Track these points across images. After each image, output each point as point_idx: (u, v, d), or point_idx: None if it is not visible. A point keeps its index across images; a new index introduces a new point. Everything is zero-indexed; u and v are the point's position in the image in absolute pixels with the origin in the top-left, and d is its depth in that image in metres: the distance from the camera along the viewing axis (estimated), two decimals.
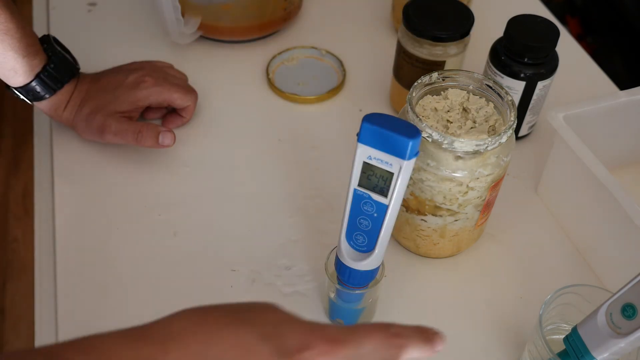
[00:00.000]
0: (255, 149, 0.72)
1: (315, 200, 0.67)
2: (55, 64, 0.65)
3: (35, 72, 0.64)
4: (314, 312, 0.58)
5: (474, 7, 0.82)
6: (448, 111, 0.57)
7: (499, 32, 0.69)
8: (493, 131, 0.56)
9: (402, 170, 0.45)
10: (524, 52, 0.65)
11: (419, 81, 0.57)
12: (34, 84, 0.64)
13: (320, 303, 0.59)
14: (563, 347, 0.50)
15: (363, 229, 0.49)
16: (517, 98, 0.68)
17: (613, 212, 0.57)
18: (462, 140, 0.52)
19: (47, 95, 0.66)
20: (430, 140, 0.53)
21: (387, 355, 0.35)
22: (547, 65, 0.67)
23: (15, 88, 0.65)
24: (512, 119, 0.54)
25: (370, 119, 0.45)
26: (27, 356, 0.33)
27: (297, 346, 0.33)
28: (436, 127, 0.55)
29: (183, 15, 0.76)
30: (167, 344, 0.33)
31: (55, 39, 0.68)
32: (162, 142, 0.66)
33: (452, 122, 0.56)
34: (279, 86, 0.78)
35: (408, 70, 0.71)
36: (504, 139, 0.53)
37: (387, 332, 0.36)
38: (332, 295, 0.55)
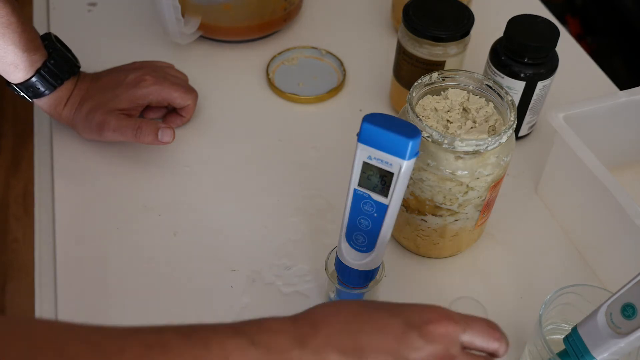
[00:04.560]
0: (256, 149, 0.72)
1: (315, 200, 0.67)
2: (56, 60, 0.65)
3: (36, 68, 0.64)
4: None
5: (474, 7, 0.82)
6: (448, 111, 0.57)
7: (499, 32, 0.69)
8: (493, 131, 0.56)
9: (402, 170, 0.45)
10: (524, 52, 0.65)
11: (419, 81, 0.57)
12: (34, 79, 0.65)
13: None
14: (563, 347, 0.50)
15: (363, 229, 0.49)
16: (517, 98, 0.68)
17: (613, 212, 0.57)
18: (462, 140, 0.52)
19: (47, 92, 0.66)
20: (430, 140, 0.53)
21: (484, 343, 0.42)
22: (547, 65, 0.67)
23: (16, 85, 0.65)
24: (512, 119, 0.54)
25: (370, 119, 0.45)
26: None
27: (423, 320, 0.41)
28: (436, 127, 0.56)
29: (183, 15, 0.76)
30: (317, 324, 0.40)
31: (56, 37, 0.68)
32: (161, 138, 0.66)
33: (452, 122, 0.56)
34: (279, 86, 0.78)
35: (408, 70, 0.71)
36: (504, 139, 0.53)
37: (491, 326, 0.43)
38: (332, 295, 0.55)
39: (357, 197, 0.48)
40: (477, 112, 0.57)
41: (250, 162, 0.71)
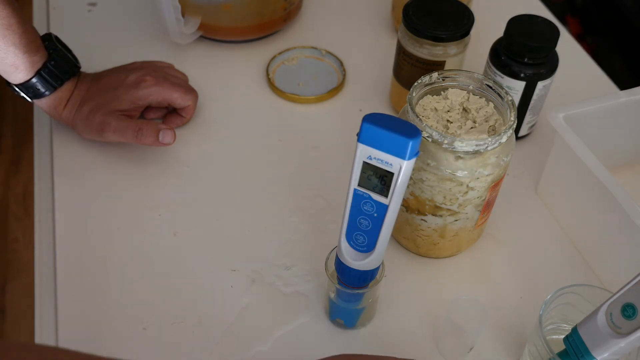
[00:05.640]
0: (256, 149, 0.72)
1: (315, 200, 0.67)
2: (56, 61, 0.65)
3: (36, 69, 0.64)
4: (314, 312, 0.59)
5: (474, 7, 0.82)
6: (448, 111, 0.57)
7: (499, 32, 0.69)
8: (493, 131, 0.56)
9: (402, 170, 0.45)
10: (524, 52, 0.65)
11: (419, 81, 0.57)
12: (34, 80, 0.65)
13: (320, 303, 0.59)
14: (563, 347, 0.50)
15: (363, 229, 0.49)
16: (517, 98, 0.68)
17: (613, 212, 0.57)
18: (462, 140, 0.52)
19: (47, 93, 0.66)
20: (430, 140, 0.53)
21: None
22: (547, 65, 0.67)
23: (16, 85, 0.65)
24: (512, 119, 0.54)
25: (370, 119, 0.45)
26: None
27: None
28: (436, 127, 0.56)
29: (183, 15, 0.76)
30: None
31: (56, 38, 0.68)
32: (162, 140, 0.66)
33: (452, 122, 0.56)
34: (279, 86, 0.78)
35: (408, 70, 0.71)
36: (504, 139, 0.53)
37: None
38: (332, 295, 0.55)
39: (357, 197, 0.48)
40: (477, 112, 0.57)
41: (250, 162, 0.71)
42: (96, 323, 0.57)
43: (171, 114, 0.72)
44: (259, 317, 0.58)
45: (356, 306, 0.55)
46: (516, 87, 0.67)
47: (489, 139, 0.52)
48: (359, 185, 0.47)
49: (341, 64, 0.81)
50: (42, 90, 0.66)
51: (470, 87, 0.58)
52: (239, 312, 0.58)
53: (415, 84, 0.56)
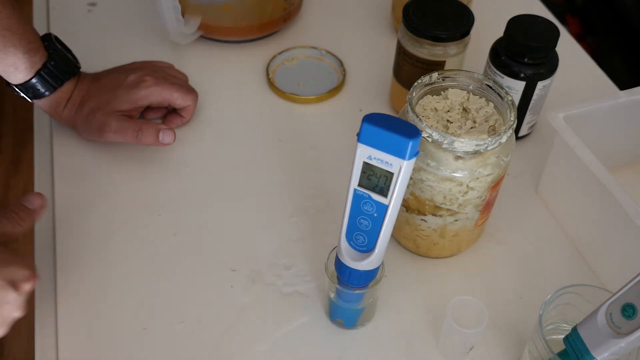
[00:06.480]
0: (256, 149, 0.72)
1: (315, 200, 0.67)
2: (56, 61, 0.65)
3: (36, 69, 0.64)
4: (314, 312, 0.58)
5: (474, 7, 0.82)
6: (448, 111, 0.57)
7: (499, 32, 0.69)
8: (493, 131, 0.56)
9: (402, 170, 0.45)
10: (524, 52, 0.65)
11: (419, 81, 0.57)
12: (34, 80, 0.65)
13: (320, 303, 0.59)
14: (563, 347, 0.50)
15: (363, 229, 0.49)
16: (517, 98, 0.68)
17: (613, 212, 0.57)
18: (462, 140, 0.52)
19: (47, 93, 0.66)
20: (430, 140, 0.53)
21: None
22: (547, 65, 0.67)
23: (16, 85, 0.65)
24: (512, 119, 0.54)
25: (370, 119, 0.45)
26: None
27: None
28: (436, 127, 0.56)
29: (183, 15, 0.76)
30: None
31: (56, 38, 0.68)
32: (162, 140, 0.66)
33: (452, 122, 0.56)
34: (279, 86, 0.78)
35: (408, 70, 0.71)
36: (504, 139, 0.53)
37: None
38: (332, 295, 0.55)
39: (357, 197, 0.48)
40: (477, 112, 0.57)
41: (250, 162, 0.71)
42: (96, 323, 0.57)
43: (171, 114, 0.72)
44: (259, 317, 0.58)
45: (356, 306, 0.55)
46: (516, 87, 0.67)
47: (489, 139, 0.52)
48: (359, 185, 0.47)
49: (341, 64, 0.81)
50: (42, 90, 0.66)
51: (470, 87, 0.58)
52: (238, 312, 0.58)
53: (415, 84, 0.56)
